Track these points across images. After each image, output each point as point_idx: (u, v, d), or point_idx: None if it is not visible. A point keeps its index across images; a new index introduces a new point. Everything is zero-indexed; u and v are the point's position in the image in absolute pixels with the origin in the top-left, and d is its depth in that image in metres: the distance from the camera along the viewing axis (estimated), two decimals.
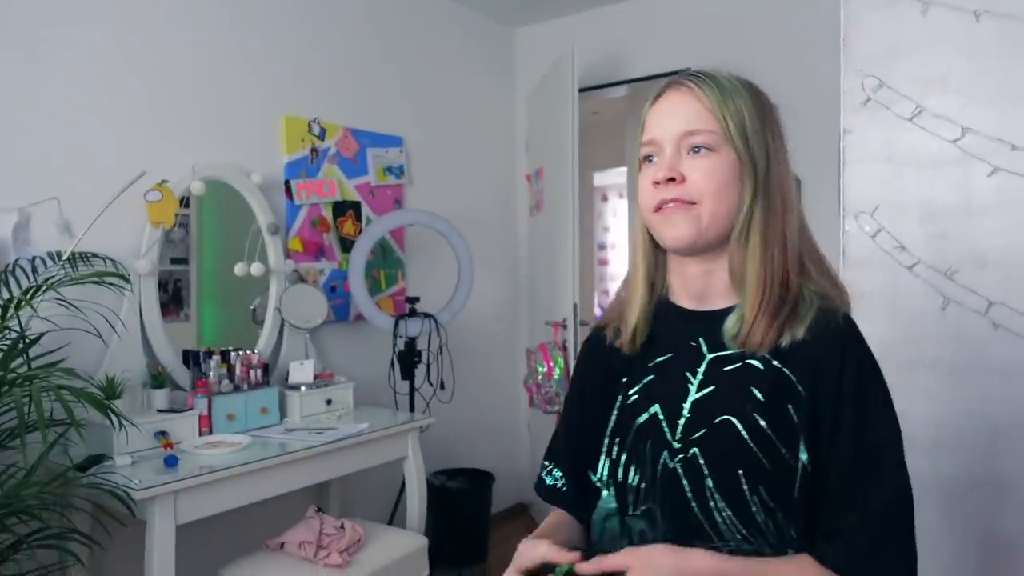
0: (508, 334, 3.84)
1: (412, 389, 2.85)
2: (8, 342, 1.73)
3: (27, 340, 1.77)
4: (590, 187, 6.44)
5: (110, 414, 1.68)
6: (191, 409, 2.17)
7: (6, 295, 1.82)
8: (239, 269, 2.50)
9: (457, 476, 3.19)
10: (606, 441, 0.94)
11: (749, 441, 0.83)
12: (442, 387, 2.94)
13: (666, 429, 0.88)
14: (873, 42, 1.70)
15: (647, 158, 0.91)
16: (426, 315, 2.86)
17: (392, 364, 2.83)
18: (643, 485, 0.89)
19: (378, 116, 3.15)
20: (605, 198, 7.03)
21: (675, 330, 0.94)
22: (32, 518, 1.63)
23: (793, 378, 0.84)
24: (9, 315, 1.73)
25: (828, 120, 1.95)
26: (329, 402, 2.54)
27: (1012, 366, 1.53)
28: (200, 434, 2.17)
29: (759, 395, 0.85)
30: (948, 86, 1.61)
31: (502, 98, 3.89)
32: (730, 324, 0.88)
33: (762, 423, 0.83)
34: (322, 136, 2.90)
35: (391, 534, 2.30)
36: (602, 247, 7.00)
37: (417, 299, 2.90)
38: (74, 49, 2.18)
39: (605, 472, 0.94)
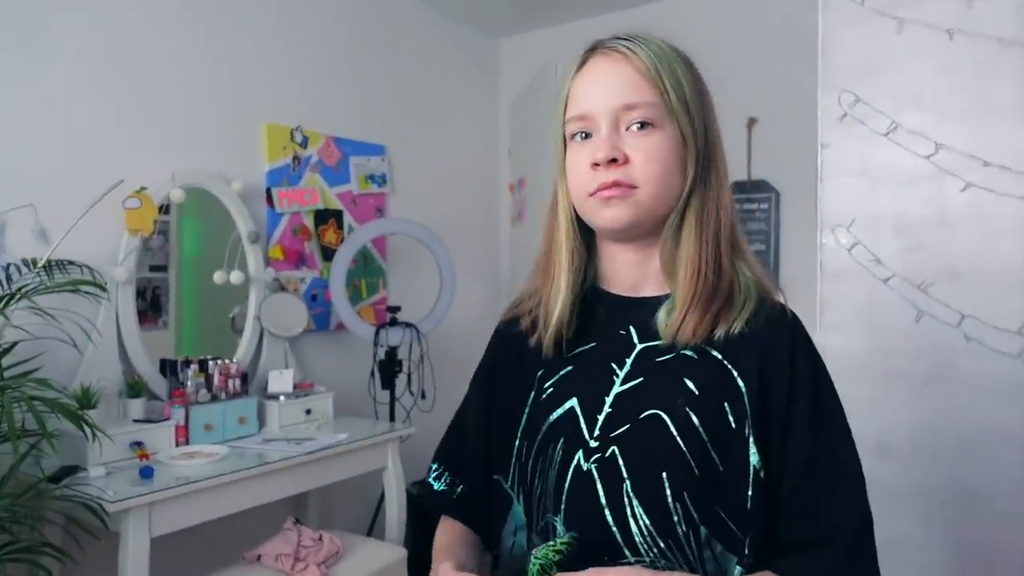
0: None
1: (393, 399, 2.84)
2: None
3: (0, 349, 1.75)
4: None
5: (84, 425, 1.66)
6: (168, 419, 2.15)
7: None
8: (218, 277, 2.48)
9: None
10: (516, 443, 0.85)
11: (678, 439, 0.75)
12: (423, 396, 2.93)
13: (583, 425, 0.79)
14: (850, 58, 1.72)
15: (578, 135, 0.81)
16: (407, 324, 2.85)
17: (372, 374, 2.82)
18: (548, 492, 0.80)
19: (361, 124, 3.15)
20: None
21: (602, 318, 0.85)
22: (2, 531, 1.60)
23: (734, 372, 0.77)
24: None
25: (807, 134, 1.98)
26: (308, 412, 2.52)
27: (984, 378, 1.56)
28: (177, 444, 2.15)
29: (693, 387, 0.77)
30: (922, 103, 1.64)
31: (485, 108, 3.90)
32: (662, 314, 0.80)
33: (694, 419, 0.75)
34: (304, 144, 2.89)
35: (370, 546, 2.29)
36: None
37: (398, 308, 2.90)
38: (52, 54, 2.16)
39: (515, 478, 0.84)
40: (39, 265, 1.95)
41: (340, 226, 3.02)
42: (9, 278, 1.91)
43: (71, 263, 2.01)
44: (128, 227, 2.25)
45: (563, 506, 0.78)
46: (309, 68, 2.93)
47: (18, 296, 1.77)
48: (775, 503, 0.76)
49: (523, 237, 3.53)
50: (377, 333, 2.81)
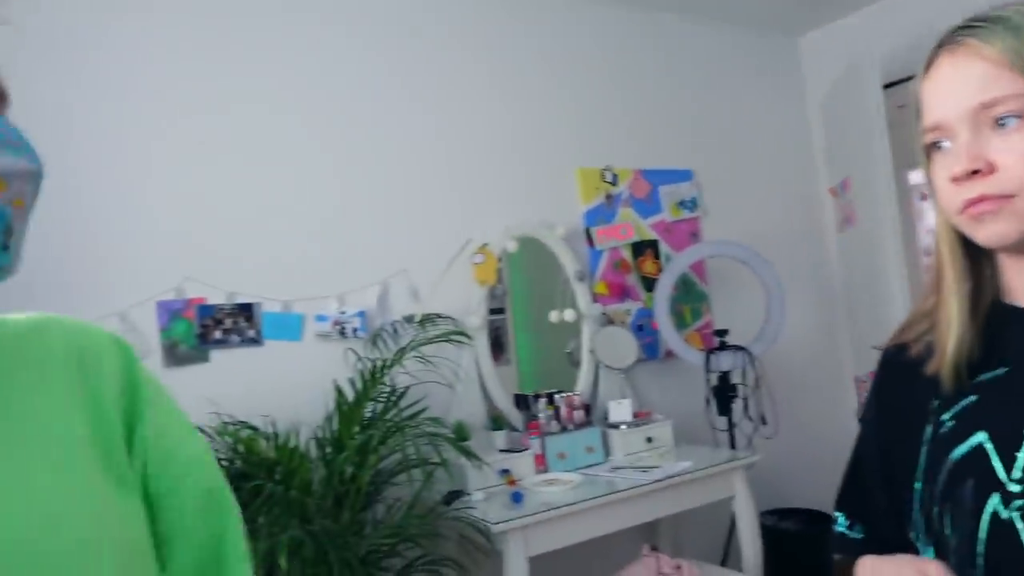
0: (830, 361, 3.56)
1: (731, 425, 2.77)
2: (384, 396, 2.06)
3: (397, 394, 2.08)
4: (905, 188, 5.79)
5: (466, 455, 1.90)
6: (527, 449, 2.36)
7: (376, 355, 2.18)
8: (553, 316, 2.69)
9: (790, 517, 3.00)
10: (917, 486, 0.75)
11: None
12: (763, 422, 2.82)
13: (997, 465, 0.68)
14: None
15: (936, 145, 0.71)
16: (738, 347, 2.78)
17: (707, 400, 2.78)
18: (959, 543, 0.70)
19: (665, 153, 3.19)
20: (924, 197, 6.25)
21: (1011, 338, 0.72)
22: (416, 546, 1.89)
23: None
24: (384, 374, 2.07)
25: None
26: (649, 440, 2.57)
27: None
28: (536, 472, 2.34)
29: None
30: None
31: (792, 112, 3.69)
32: None
33: None
34: (614, 181, 3.02)
35: None
36: (928, 253, 6.22)
37: (726, 331, 2.84)
38: (408, 153, 2.56)
39: (921, 526, 0.75)
40: (416, 320, 2.32)
41: (657, 255, 3.07)
42: (396, 332, 2.29)
43: (438, 316, 2.34)
44: (477, 279, 2.56)
45: (979, 560, 0.68)
46: (610, 108, 3.06)
47: (408, 348, 2.11)
48: None
49: (853, 242, 3.25)
50: (707, 358, 2.78)
